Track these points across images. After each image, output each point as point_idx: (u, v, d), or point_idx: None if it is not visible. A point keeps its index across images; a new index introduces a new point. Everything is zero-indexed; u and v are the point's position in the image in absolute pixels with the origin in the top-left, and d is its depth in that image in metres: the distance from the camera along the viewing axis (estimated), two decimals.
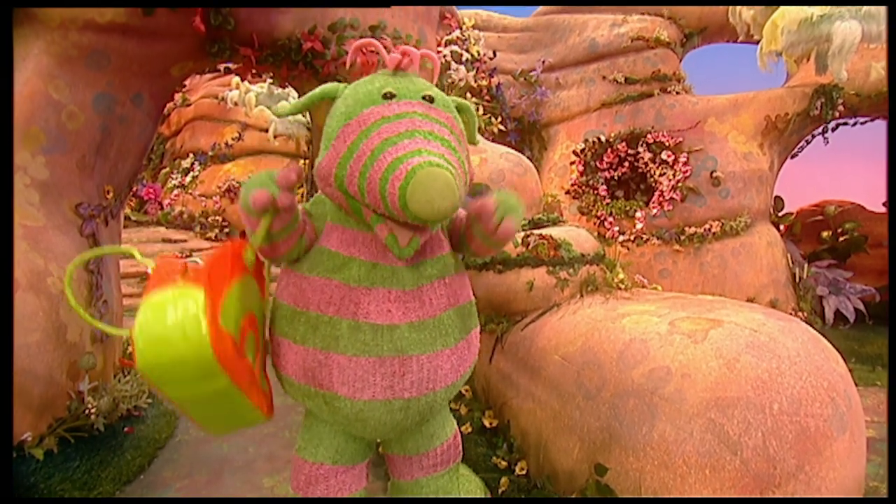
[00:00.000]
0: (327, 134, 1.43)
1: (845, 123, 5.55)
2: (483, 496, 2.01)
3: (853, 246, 5.82)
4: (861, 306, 5.31)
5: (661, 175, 5.29)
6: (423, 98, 1.42)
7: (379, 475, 2.34)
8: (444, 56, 4.65)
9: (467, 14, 6.01)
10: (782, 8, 4.61)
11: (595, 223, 5.44)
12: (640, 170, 5.52)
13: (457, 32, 5.08)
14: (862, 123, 5.55)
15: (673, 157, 5.26)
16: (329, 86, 1.52)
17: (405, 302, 1.48)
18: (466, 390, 2.76)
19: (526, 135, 6.06)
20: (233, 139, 10.06)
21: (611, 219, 5.39)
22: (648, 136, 5.39)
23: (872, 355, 4.50)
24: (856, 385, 1.84)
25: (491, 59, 5.35)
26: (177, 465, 2.62)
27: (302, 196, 6.35)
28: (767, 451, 1.54)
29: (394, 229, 1.36)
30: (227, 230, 8.64)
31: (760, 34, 4.85)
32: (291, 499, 1.75)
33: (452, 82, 4.62)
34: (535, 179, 3.36)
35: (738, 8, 5.14)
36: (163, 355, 1.18)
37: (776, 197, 5.78)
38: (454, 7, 5.46)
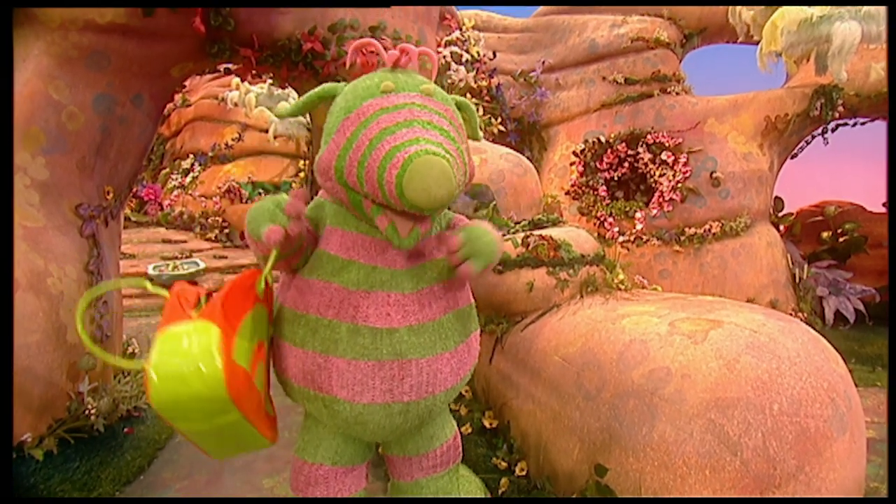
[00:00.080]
0: (328, 129, 1.44)
1: (845, 124, 5.55)
2: (483, 497, 2.01)
3: (853, 246, 5.82)
4: (861, 307, 5.31)
5: (660, 176, 5.29)
6: (422, 91, 1.43)
7: (379, 476, 2.34)
8: (444, 57, 4.66)
9: (467, 15, 6.01)
10: (782, 8, 4.61)
11: (595, 224, 5.44)
12: (639, 170, 5.52)
13: (457, 33, 5.08)
14: (862, 124, 5.54)
15: (673, 157, 5.26)
16: (328, 85, 1.52)
17: (404, 305, 1.47)
18: (466, 391, 2.76)
19: (526, 135, 6.06)
20: (233, 140, 10.06)
21: (611, 219, 5.39)
22: (648, 136, 5.39)
23: (872, 356, 4.49)
24: (856, 386, 1.84)
25: (491, 59, 5.36)
26: (177, 466, 2.62)
27: (302, 188, 6.35)
28: (767, 452, 1.54)
29: (394, 219, 1.36)
30: (226, 231, 8.64)
31: (760, 35, 4.85)
32: (291, 499, 1.75)
33: (452, 83, 4.62)
34: (535, 180, 3.36)
35: (738, 8, 5.14)
36: (178, 392, 1.20)
37: (776, 197, 5.78)
38: (454, 7, 5.46)
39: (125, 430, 2.69)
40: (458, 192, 1.38)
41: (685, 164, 5.19)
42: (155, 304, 6.29)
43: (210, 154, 10.06)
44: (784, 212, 6.03)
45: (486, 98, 5.02)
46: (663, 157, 5.29)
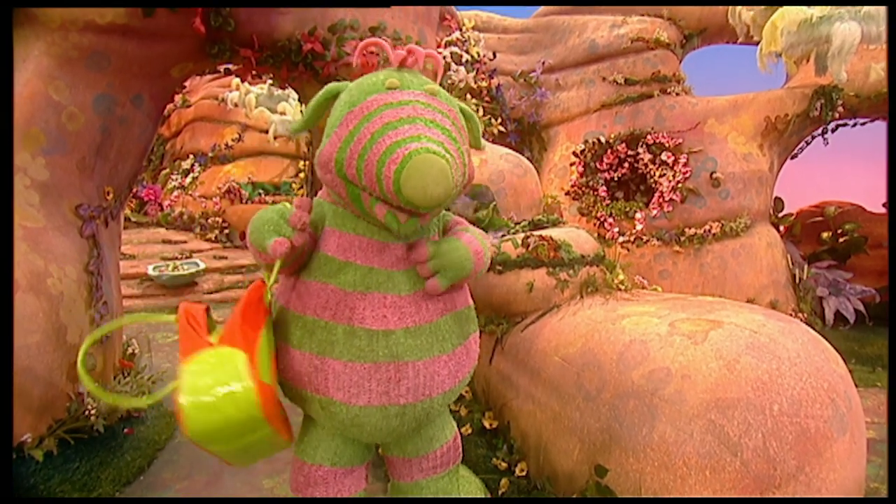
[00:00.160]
0: (331, 123, 1.43)
1: (845, 124, 5.55)
2: (483, 497, 2.01)
3: (853, 247, 5.82)
4: (861, 307, 5.31)
5: (660, 176, 5.29)
6: (427, 91, 1.43)
7: (379, 476, 2.34)
8: (444, 57, 4.66)
9: (467, 15, 6.01)
10: (782, 9, 4.61)
11: (595, 224, 5.44)
12: (639, 171, 5.52)
13: (457, 34, 5.08)
14: (862, 124, 5.55)
15: (673, 158, 5.26)
16: (332, 85, 1.53)
17: (401, 307, 1.47)
18: (466, 392, 2.76)
19: (526, 136, 6.06)
20: (233, 140, 10.07)
21: (611, 220, 5.39)
22: (648, 137, 5.39)
23: (872, 356, 4.49)
24: (856, 386, 1.84)
25: (491, 60, 5.36)
26: (176, 467, 2.62)
27: (306, 196, 6.35)
28: (768, 453, 1.54)
29: (391, 209, 1.37)
30: (226, 231, 8.64)
31: (760, 35, 4.85)
32: (291, 499, 1.75)
33: (452, 83, 4.62)
34: (535, 180, 3.36)
35: (738, 9, 5.15)
36: (212, 421, 1.23)
37: (776, 198, 5.78)
38: (454, 8, 5.47)
39: (125, 430, 2.69)
40: (456, 193, 1.38)
41: (685, 165, 5.19)
42: (154, 304, 6.29)
43: (210, 154, 10.07)
44: (784, 212, 6.03)
45: (486, 99, 5.02)
46: (663, 157, 5.29)
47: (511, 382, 2.48)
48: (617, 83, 5.73)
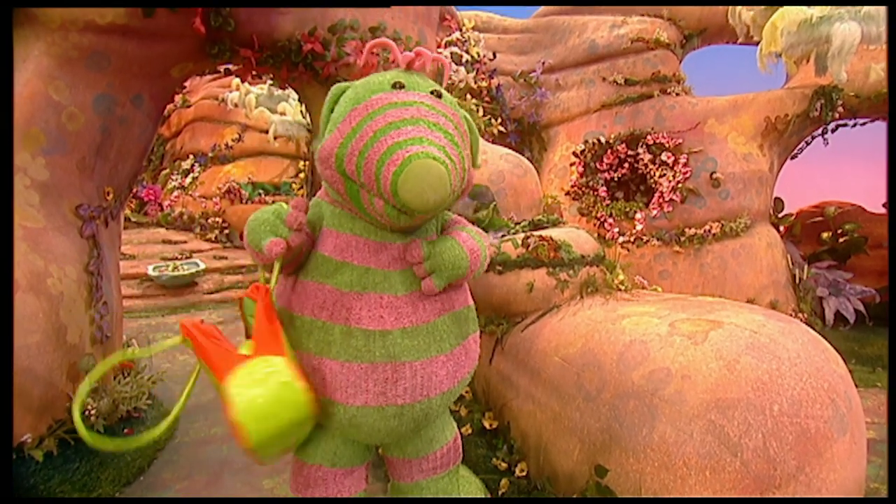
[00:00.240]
0: (334, 119, 1.43)
1: (845, 125, 5.55)
2: (483, 497, 2.01)
3: (853, 247, 5.82)
4: (861, 307, 5.31)
5: (660, 176, 5.29)
6: (432, 93, 1.43)
7: (379, 476, 2.34)
8: (445, 57, 4.66)
9: (467, 15, 6.01)
10: (782, 9, 4.61)
11: (595, 224, 5.44)
12: (639, 171, 5.52)
13: (457, 34, 5.09)
14: (861, 125, 5.54)
15: (673, 158, 5.26)
16: (339, 85, 1.52)
17: (397, 307, 1.47)
18: (466, 392, 2.76)
19: (526, 136, 6.06)
20: (233, 140, 10.07)
21: (611, 220, 5.39)
22: (648, 137, 5.39)
23: (872, 356, 4.49)
24: (856, 386, 1.84)
25: (491, 60, 5.36)
26: (176, 467, 2.62)
27: (302, 197, 6.35)
28: (768, 453, 1.54)
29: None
30: (226, 231, 8.64)
31: (760, 35, 4.85)
32: (291, 499, 1.75)
33: (452, 83, 4.62)
34: (535, 181, 3.36)
35: (738, 9, 5.15)
36: (270, 428, 1.27)
37: (776, 198, 5.78)
38: (454, 8, 5.47)
39: (125, 430, 2.69)
40: (453, 199, 1.38)
41: (685, 165, 5.19)
42: (154, 305, 6.29)
43: (210, 155, 10.07)
44: (784, 212, 6.03)
45: (487, 99, 5.02)
46: (663, 157, 5.29)
47: (511, 383, 2.48)
48: (617, 83, 5.73)
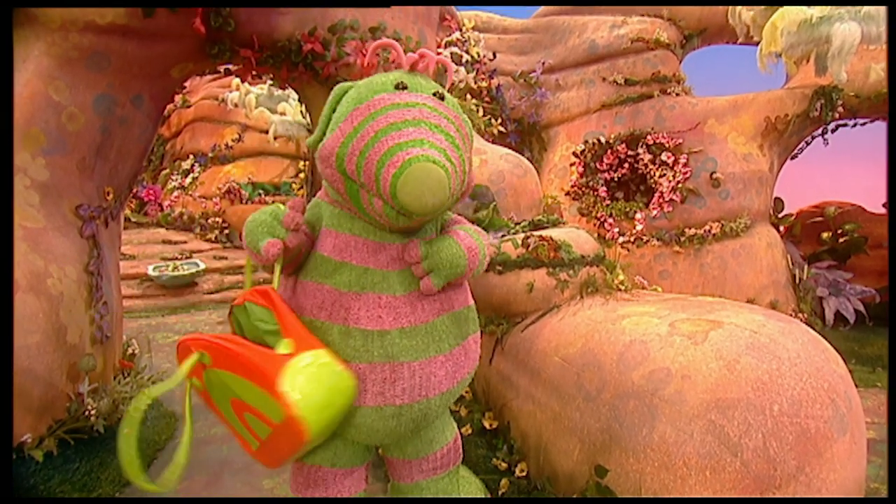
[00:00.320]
0: (336, 118, 1.43)
1: (845, 125, 5.55)
2: (483, 497, 2.01)
3: (853, 247, 5.82)
4: (861, 307, 5.31)
5: (660, 176, 5.29)
6: (434, 94, 1.43)
7: (379, 476, 2.34)
8: (445, 58, 4.66)
9: (467, 15, 6.01)
10: (782, 9, 4.61)
11: (595, 224, 5.44)
12: (639, 171, 5.52)
13: (457, 34, 5.09)
14: (861, 125, 5.55)
15: (673, 158, 5.26)
16: (341, 85, 1.52)
17: (395, 307, 1.47)
18: (466, 392, 2.76)
19: (526, 136, 6.06)
20: (233, 140, 10.08)
21: (611, 220, 5.39)
22: (648, 137, 5.39)
23: (872, 356, 4.50)
24: (856, 386, 1.84)
25: (491, 60, 5.36)
26: None
27: (300, 197, 6.36)
28: (768, 453, 1.54)
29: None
30: (226, 231, 8.64)
31: (760, 36, 4.85)
32: (291, 499, 1.75)
33: (452, 84, 4.62)
34: (535, 181, 3.36)
35: (738, 9, 5.15)
36: (327, 419, 1.32)
37: (776, 198, 5.78)
38: (454, 8, 5.47)
39: (125, 430, 2.68)
40: (453, 202, 1.38)
41: (685, 165, 5.19)
42: (154, 305, 6.29)
43: (210, 155, 10.08)
44: (784, 212, 6.03)
45: (486, 99, 5.02)
46: (663, 157, 5.29)
47: (511, 383, 2.48)
48: (617, 83, 5.73)
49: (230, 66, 3.18)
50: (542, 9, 6.52)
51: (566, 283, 2.59)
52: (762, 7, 4.87)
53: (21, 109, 2.35)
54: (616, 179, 5.65)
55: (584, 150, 5.68)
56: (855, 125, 5.56)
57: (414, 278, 1.51)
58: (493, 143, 4.09)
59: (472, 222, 1.79)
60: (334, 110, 1.47)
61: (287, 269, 1.55)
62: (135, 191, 6.75)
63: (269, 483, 2.46)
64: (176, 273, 6.59)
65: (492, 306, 2.63)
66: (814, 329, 1.97)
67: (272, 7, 2.79)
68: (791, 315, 4.68)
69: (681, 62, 6.02)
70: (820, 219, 6.18)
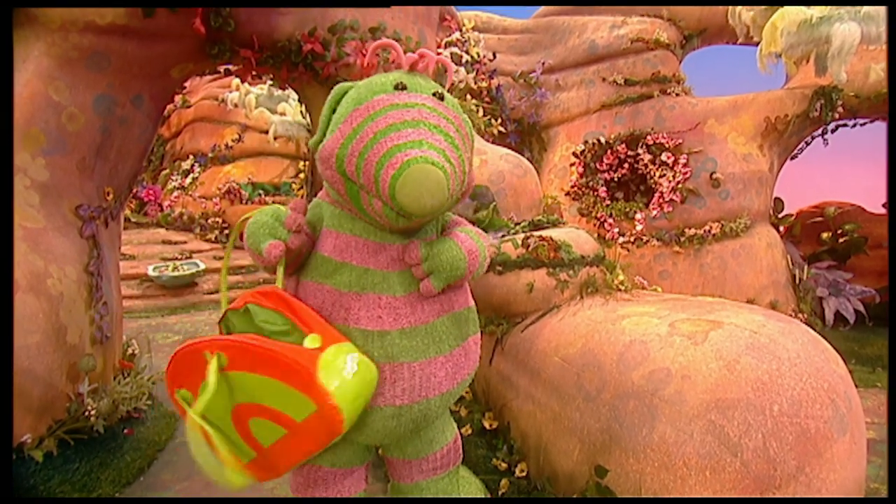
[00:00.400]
0: (336, 119, 1.43)
1: (845, 125, 5.55)
2: (483, 497, 2.01)
3: (853, 247, 5.82)
4: (861, 308, 5.31)
5: (660, 176, 5.29)
6: (434, 95, 1.43)
7: (379, 476, 2.34)
8: (444, 58, 4.66)
9: (467, 16, 6.02)
10: (782, 9, 4.61)
11: (595, 225, 5.44)
12: (639, 171, 5.52)
13: (457, 34, 5.08)
14: (861, 125, 5.55)
15: (673, 158, 5.26)
16: (341, 85, 1.52)
17: (395, 308, 1.47)
18: (466, 392, 2.76)
19: (526, 136, 6.06)
20: (233, 141, 10.08)
21: (611, 220, 5.39)
22: (648, 137, 5.39)
23: (872, 356, 4.50)
24: (856, 386, 1.84)
25: (491, 60, 5.36)
26: (176, 468, 2.62)
27: (301, 198, 6.35)
28: (768, 453, 1.54)
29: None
30: (226, 231, 8.64)
31: (760, 36, 4.85)
32: (291, 499, 1.75)
33: (452, 84, 4.62)
34: (535, 181, 3.36)
35: (738, 9, 5.15)
36: (358, 408, 1.37)
37: (776, 198, 5.78)
38: (454, 8, 5.47)
39: (125, 431, 2.69)
40: (452, 204, 1.38)
41: (685, 165, 5.19)
42: (154, 305, 6.29)
43: (210, 155, 10.08)
44: (784, 213, 6.03)
45: (486, 99, 5.02)
46: (663, 157, 5.29)
47: (511, 383, 2.48)
48: (617, 84, 5.73)
49: (230, 67, 3.18)
50: (541, 9, 6.52)
51: (566, 283, 2.59)
52: (762, 7, 4.87)
53: (21, 109, 2.35)
54: (616, 180, 5.65)
55: (583, 151, 5.68)
56: (855, 125, 5.57)
57: (414, 279, 1.51)
58: (493, 143, 4.09)
59: (472, 222, 1.79)
60: (334, 111, 1.47)
61: (288, 270, 1.55)
62: (135, 191, 6.75)
63: (269, 483, 2.46)
64: (176, 273, 6.59)
65: (492, 306, 2.63)
66: (814, 329, 1.97)
67: (272, 7, 2.79)
68: (791, 315, 4.68)
69: (681, 62, 6.02)
70: (820, 219, 6.19)
